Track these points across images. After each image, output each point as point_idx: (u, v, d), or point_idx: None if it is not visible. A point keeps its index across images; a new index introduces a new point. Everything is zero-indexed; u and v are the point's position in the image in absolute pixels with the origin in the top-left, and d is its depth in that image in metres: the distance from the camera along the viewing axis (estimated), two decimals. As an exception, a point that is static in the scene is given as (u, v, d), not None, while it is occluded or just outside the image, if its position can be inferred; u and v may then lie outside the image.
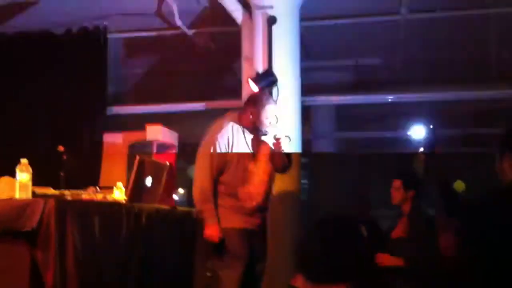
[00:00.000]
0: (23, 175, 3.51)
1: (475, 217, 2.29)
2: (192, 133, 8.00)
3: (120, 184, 4.77)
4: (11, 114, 7.11)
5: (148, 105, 8.27)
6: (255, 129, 4.50)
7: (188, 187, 8.24)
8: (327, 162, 10.46)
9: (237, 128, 4.48)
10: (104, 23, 7.08)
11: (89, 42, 7.11)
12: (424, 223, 4.56)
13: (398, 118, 10.54)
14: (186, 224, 4.82)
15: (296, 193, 6.42)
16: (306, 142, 7.80)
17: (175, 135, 6.83)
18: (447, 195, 4.55)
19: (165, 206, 4.64)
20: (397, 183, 4.76)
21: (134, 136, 6.66)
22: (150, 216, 4.26)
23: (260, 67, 6.25)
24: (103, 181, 6.73)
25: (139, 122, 9.08)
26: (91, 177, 6.71)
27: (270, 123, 4.50)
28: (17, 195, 3.48)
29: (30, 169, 3.55)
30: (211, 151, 4.35)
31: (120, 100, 8.50)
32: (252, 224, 4.43)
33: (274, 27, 6.30)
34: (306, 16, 6.76)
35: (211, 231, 4.26)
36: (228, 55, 7.75)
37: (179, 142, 7.21)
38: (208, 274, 4.75)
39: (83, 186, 4.56)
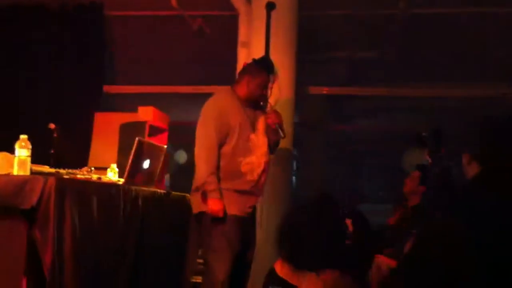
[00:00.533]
0: (22, 151, 3.41)
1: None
2: (181, 117, 7.98)
3: (113, 166, 4.71)
4: (1, 88, 6.96)
5: (139, 86, 8.18)
6: (251, 100, 4.42)
7: (173, 173, 8.20)
8: (317, 155, 10.43)
9: (232, 98, 4.40)
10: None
11: (85, 18, 6.96)
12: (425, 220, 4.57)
13: (391, 112, 10.56)
14: (180, 209, 4.76)
15: (287, 183, 6.39)
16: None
17: (166, 118, 6.74)
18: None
19: (160, 190, 4.57)
20: (416, 174, 4.84)
21: (125, 117, 6.53)
22: (146, 199, 4.19)
23: (257, 54, 6.18)
24: (91, 161, 6.61)
25: (127, 103, 9.00)
26: (80, 157, 6.61)
27: (266, 94, 4.43)
28: (15, 172, 3.38)
29: (30, 145, 3.45)
30: (213, 117, 4.27)
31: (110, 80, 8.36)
32: (247, 208, 4.37)
33: (272, 14, 6.25)
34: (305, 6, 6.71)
35: (217, 205, 4.18)
36: (222, 39, 7.67)
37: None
38: (199, 261, 4.73)
39: (72, 165, 4.47)
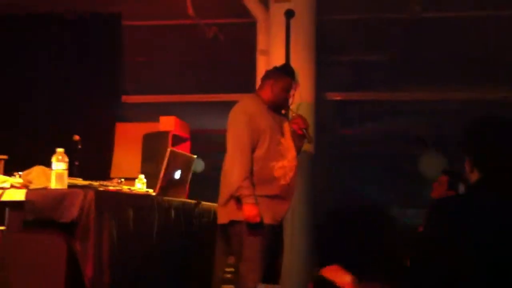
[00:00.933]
0: (59, 164, 3.41)
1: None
2: (200, 125, 7.97)
3: (141, 176, 4.71)
4: (19, 98, 6.96)
5: (155, 96, 8.18)
6: (276, 104, 4.38)
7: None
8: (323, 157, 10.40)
9: (258, 103, 4.35)
10: (119, 10, 6.92)
11: (103, 28, 6.96)
12: None
13: (398, 116, 10.54)
14: (208, 219, 4.75)
15: (310, 188, 6.38)
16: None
17: (187, 127, 6.74)
18: None
19: (190, 200, 4.56)
20: (443, 178, 4.83)
21: (147, 127, 6.54)
22: (178, 210, 4.19)
23: (277, 61, 6.19)
24: (114, 171, 6.64)
25: (142, 112, 9.01)
26: (102, 167, 6.62)
27: (290, 99, 4.40)
28: (53, 185, 3.39)
29: (66, 158, 3.46)
30: (244, 121, 4.21)
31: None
32: (279, 216, 4.30)
33: (292, 21, 6.25)
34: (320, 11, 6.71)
35: (253, 211, 4.09)
36: (238, 47, 7.68)
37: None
38: (228, 270, 4.68)
39: (95, 176, 4.47)
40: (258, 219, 4.10)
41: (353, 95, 9.26)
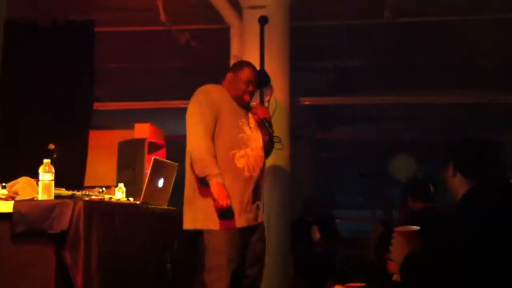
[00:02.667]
0: (46, 175, 3.40)
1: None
2: (175, 131, 7.95)
3: (121, 185, 4.69)
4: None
5: (129, 103, 8.16)
6: (238, 97, 4.08)
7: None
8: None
9: (222, 90, 4.09)
10: (92, 17, 6.88)
11: (76, 35, 6.90)
12: None
13: (376, 120, 10.69)
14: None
15: (286, 195, 6.42)
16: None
17: (162, 134, 6.73)
18: None
19: (172, 208, 4.56)
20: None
21: (122, 135, 6.50)
22: (161, 218, 4.20)
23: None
24: (88, 180, 6.59)
25: (113, 119, 8.98)
26: (76, 176, 6.57)
27: (252, 92, 4.13)
28: (40, 196, 3.37)
29: (53, 169, 3.44)
30: (204, 101, 3.93)
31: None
32: (248, 215, 3.94)
33: (265, 27, 6.30)
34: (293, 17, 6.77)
35: (222, 192, 3.75)
36: (211, 53, 7.70)
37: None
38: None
39: (69, 185, 4.44)
40: (228, 202, 3.76)
41: (329, 99, 9.34)
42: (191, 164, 3.93)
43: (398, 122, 10.73)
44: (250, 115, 4.16)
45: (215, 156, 3.83)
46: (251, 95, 4.16)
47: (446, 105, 9.21)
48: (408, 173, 9.48)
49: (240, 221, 3.90)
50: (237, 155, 3.91)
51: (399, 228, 2.44)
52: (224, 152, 3.88)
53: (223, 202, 3.74)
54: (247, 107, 4.17)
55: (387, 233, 4.88)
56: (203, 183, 3.85)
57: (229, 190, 3.81)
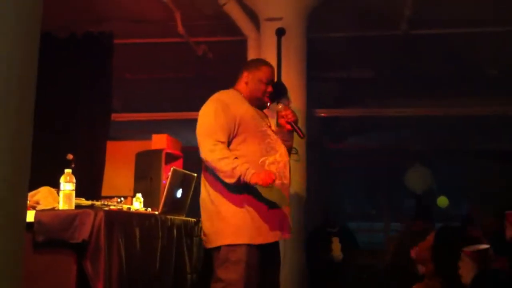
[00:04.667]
0: (67, 185, 3.44)
1: None
2: (190, 142, 7.98)
3: (139, 195, 4.71)
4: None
5: (146, 114, 8.20)
6: (255, 99, 3.79)
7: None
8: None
9: (235, 94, 3.78)
10: (109, 28, 6.93)
11: (94, 47, 6.95)
12: None
13: (385, 131, 10.67)
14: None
15: (303, 205, 6.41)
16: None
17: (179, 144, 6.76)
18: None
19: (191, 219, 4.58)
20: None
21: (139, 145, 6.54)
22: (179, 229, 4.21)
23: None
24: (105, 190, 6.62)
25: (130, 130, 9.02)
26: (93, 186, 6.60)
27: (271, 91, 3.82)
28: (61, 206, 3.41)
29: (74, 179, 3.48)
30: (215, 108, 3.60)
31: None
32: (277, 231, 3.67)
33: (282, 39, 6.32)
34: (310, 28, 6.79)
35: (263, 177, 3.41)
36: (228, 64, 7.72)
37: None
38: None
39: (86, 195, 4.47)
40: (273, 177, 3.43)
41: (341, 111, 9.35)
42: (212, 178, 3.67)
43: (407, 132, 10.69)
44: (269, 118, 3.96)
45: (232, 154, 3.53)
46: (267, 95, 3.83)
47: (459, 116, 9.19)
48: (423, 185, 9.47)
49: (269, 236, 3.66)
50: (267, 162, 3.61)
51: (468, 248, 2.42)
52: (253, 161, 3.55)
53: (271, 180, 3.42)
54: (262, 109, 3.90)
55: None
56: (230, 189, 3.59)
57: (255, 206, 3.59)
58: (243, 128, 3.61)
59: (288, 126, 3.79)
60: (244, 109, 3.68)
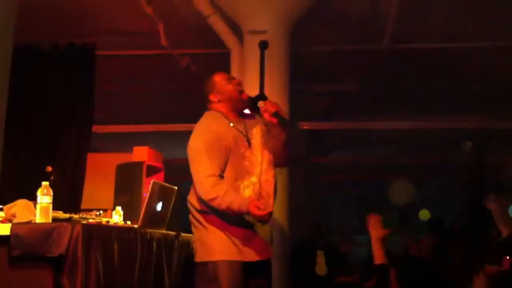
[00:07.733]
0: (44, 198, 3.37)
1: None
2: (172, 155, 7.94)
3: (118, 208, 4.65)
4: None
5: (127, 126, 8.14)
6: (235, 103, 3.79)
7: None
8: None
9: (216, 116, 3.76)
10: (92, 40, 6.88)
11: (77, 58, 6.89)
12: None
13: (371, 144, 10.69)
14: (188, 251, 4.70)
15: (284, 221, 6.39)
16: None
17: (160, 157, 6.71)
18: None
19: (170, 232, 4.52)
20: None
21: (120, 158, 6.47)
22: (159, 243, 4.15)
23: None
24: (85, 202, 6.55)
25: (111, 142, 8.96)
26: (72, 198, 6.53)
27: (241, 83, 3.86)
28: (38, 219, 3.34)
29: (51, 192, 3.42)
30: (207, 140, 3.61)
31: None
32: (263, 248, 3.73)
33: (266, 52, 6.30)
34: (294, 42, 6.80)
35: (260, 213, 3.44)
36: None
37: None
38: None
39: (65, 207, 4.41)
40: (265, 211, 3.46)
41: (325, 124, 9.37)
42: (197, 200, 3.74)
43: (393, 147, 10.72)
44: (253, 126, 3.85)
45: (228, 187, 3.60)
46: (241, 94, 3.81)
47: (443, 130, 9.23)
48: (405, 197, 9.49)
49: (252, 255, 3.69)
50: (241, 186, 3.65)
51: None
52: (228, 184, 3.61)
53: (264, 215, 3.47)
54: (244, 110, 3.88)
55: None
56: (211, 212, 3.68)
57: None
58: (230, 156, 3.67)
59: (274, 119, 3.70)
60: (231, 136, 3.69)
